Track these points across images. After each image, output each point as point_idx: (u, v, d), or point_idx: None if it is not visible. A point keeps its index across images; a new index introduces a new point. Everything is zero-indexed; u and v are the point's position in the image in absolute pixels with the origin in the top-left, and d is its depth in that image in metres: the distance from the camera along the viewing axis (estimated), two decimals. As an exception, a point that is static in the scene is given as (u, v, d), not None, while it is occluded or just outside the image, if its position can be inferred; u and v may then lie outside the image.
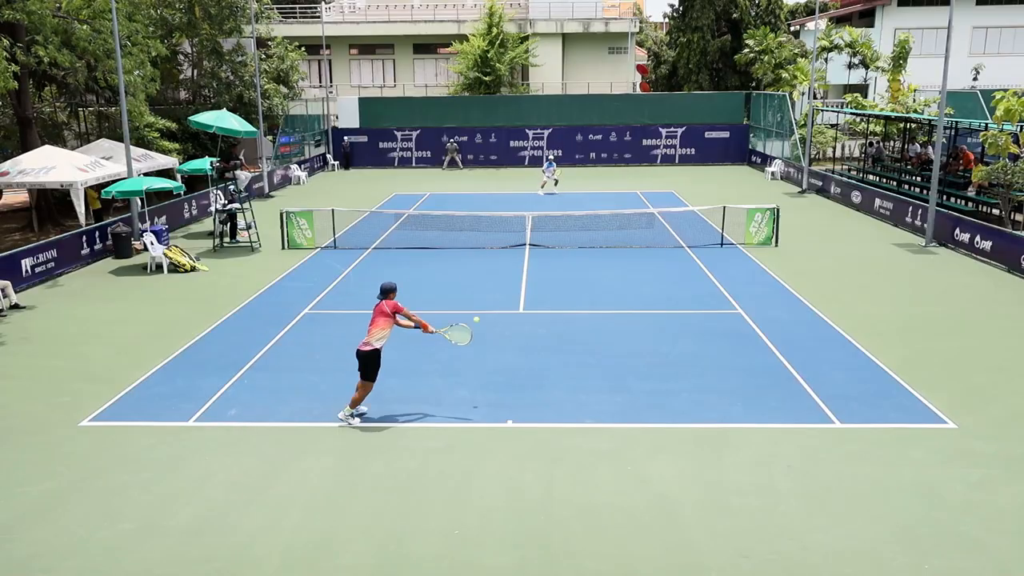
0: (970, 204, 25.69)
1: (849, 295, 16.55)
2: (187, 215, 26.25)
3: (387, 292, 10.42)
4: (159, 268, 19.39)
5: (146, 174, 24.33)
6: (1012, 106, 21.98)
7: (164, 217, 24.16)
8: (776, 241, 21.52)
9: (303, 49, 41.72)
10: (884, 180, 31.59)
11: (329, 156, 42.44)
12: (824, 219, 25.73)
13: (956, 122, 28.76)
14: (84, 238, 20.35)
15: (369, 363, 10.27)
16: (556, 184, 32.38)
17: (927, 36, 48.72)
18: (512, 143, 42.16)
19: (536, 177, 36.72)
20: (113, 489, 8.92)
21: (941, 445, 9.76)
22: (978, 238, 19.85)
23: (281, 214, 22.08)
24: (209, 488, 8.92)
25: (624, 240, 22.04)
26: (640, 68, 60.91)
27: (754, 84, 49.88)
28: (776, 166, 35.59)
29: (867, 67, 42.70)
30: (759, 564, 7.42)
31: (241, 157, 29.89)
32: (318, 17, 49.03)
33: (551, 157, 34.68)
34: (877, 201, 25.74)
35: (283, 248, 21.74)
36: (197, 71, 36.02)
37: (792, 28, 57.04)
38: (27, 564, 7.57)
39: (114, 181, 21.95)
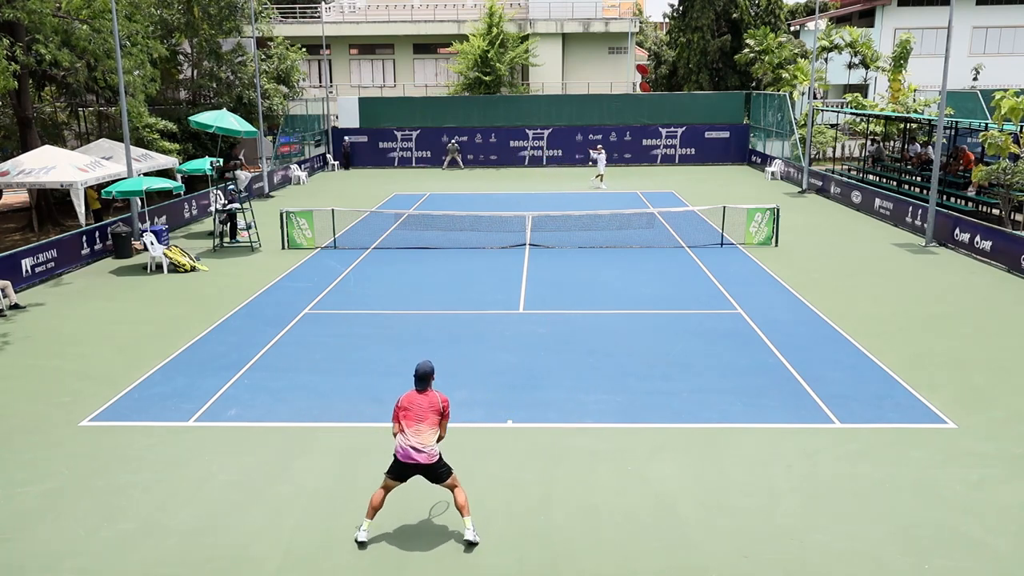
0: (970, 204, 25.69)
1: (849, 295, 16.55)
2: (187, 215, 26.25)
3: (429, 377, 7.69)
4: (159, 268, 19.40)
5: (146, 174, 24.34)
6: (1018, 104, 21.96)
7: (164, 217, 24.17)
8: (776, 241, 21.52)
9: (303, 49, 41.73)
10: (884, 180, 31.60)
11: (329, 156, 42.44)
12: (824, 219, 25.72)
13: (956, 122, 28.76)
14: (84, 238, 20.35)
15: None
16: (601, 180, 33.26)
17: (927, 36, 48.73)
18: (512, 143, 42.17)
19: (538, 176, 36.94)
20: (113, 489, 8.92)
21: (941, 445, 9.76)
22: (978, 238, 19.84)
23: (281, 214, 22.08)
24: (209, 488, 8.92)
25: (624, 240, 22.04)
26: (640, 68, 60.88)
27: (754, 84, 49.88)
28: (776, 166, 35.59)
29: (867, 67, 42.71)
30: (759, 564, 7.42)
31: (241, 157, 29.92)
32: (318, 17, 49.04)
33: (599, 148, 35.84)
34: (877, 201, 25.74)
35: (283, 248, 21.74)
36: (197, 71, 36.02)
37: (792, 28, 57.04)
38: (27, 564, 7.57)
39: (114, 181, 21.97)
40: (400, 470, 7.70)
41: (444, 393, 7.76)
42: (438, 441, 7.67)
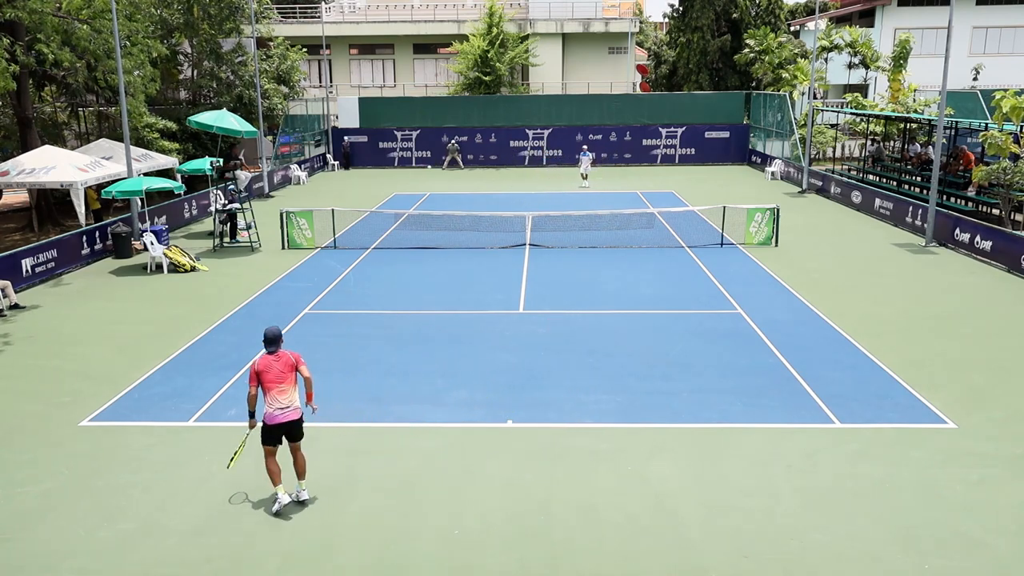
0: (970, 204, 25.69)
1: (849, 295, 16.55)
2: (187, 215, 26.25)
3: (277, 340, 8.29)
4: (159, 268, 19.40)
5: (146, 174, 24.33)
6: (1019, 104, 21.95)
7: (164, 217, 24.17)
8: (776, 241, 21.52)
9: (303, 49, 41.74)
10: (884, 180, 31.59)
11: (329, 156, 42.44)
12: (824, 219, 25.72)
13: (956, 122, 28.75)
14: (84, 238, 20.35)
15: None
16: (585, 179, 33.76)
17: (927, 36, 48.73)
18: (512, 143, 42.17)
19: (538, 176, 36.92)
20: (113, 489, 8.92)
21: (941, 445, 9.76)
22: (978, 238, 19.84)
23: (281, 214, 22.08)
24: (209, 488, 8.92)
25: (624, 240, 22.04)
26: (640, 68, 60.89)
27: (754, 84, 49.88)
28: (776, 166, 35.58)
29: (867, 67, 42.70)
30: (759, 564, 7.42)
31: (241, 157, 29.89)
32: (318, 17, 49.04)
33: (584, 148, 36.92)
34: (877, 201, 25.73)
35: (283, 248, 21.74)
36: (197, 71, 36.02)
37: (792, 28, 57.02)
38: (27, 564, 7.57)
39: (114, 181, 21.96)
40: (273, 434, 8.25)
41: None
42: (310, 387, 8.39)
